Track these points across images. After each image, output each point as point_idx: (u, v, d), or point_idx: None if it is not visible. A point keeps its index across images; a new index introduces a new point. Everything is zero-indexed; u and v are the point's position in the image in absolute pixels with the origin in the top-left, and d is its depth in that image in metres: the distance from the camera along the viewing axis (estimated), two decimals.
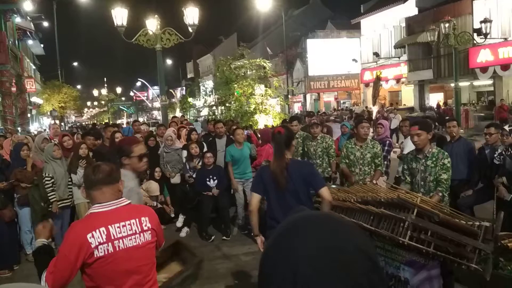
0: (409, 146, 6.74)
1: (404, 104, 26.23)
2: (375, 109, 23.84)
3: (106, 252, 2.29)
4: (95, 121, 39.76)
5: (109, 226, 2.33)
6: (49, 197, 6.25)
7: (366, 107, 26.67)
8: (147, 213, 2.53)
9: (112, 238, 2.32)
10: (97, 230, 2.29)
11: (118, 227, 2.35)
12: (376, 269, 0.80)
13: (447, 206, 3.90)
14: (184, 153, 7.65)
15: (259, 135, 9.58)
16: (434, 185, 4.26)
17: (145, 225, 2.46)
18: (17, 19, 22.16)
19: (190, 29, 9.87)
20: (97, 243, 2.27)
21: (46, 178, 6.26)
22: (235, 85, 15.79)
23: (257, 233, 3.76)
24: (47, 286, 2.22)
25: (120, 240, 2.34)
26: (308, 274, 0.76)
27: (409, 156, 4.58)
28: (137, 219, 2.44)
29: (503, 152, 5.52)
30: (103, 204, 2.38)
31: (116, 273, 2.33)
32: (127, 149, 3.15)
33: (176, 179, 7.75)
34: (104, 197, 2.39)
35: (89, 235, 2.26)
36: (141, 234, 2.43)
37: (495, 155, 5.70)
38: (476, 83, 22.72)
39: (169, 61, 53.28)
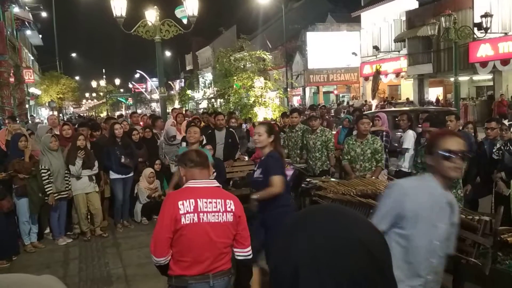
0: (408, 140, 6.74)
1: (408, 98, 26.00)
2: (374, 103, 23.81)
3: (191, 221, 2.63)
4: (93, 113, 39.64)
5: (198, 199, 2.67)
6: (46, 190, 6.24)
7: (366, 101, 26.62)
8: (233, 198, 2.83)
9: (199, 210, 2.65)
10: (187, 200, 2.65)
11: (205, 202, 2.68)
12: (378, 264, 0.77)
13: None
14: (184, 144, 7.64)
15: None
16: None
17: (229, 207, 2.74)
18: (16, 9, 22.03)
19: (185, 21, 9.79)
20: (185, 211, 2.62)
21: (42, 170, 6.24)
22: (234, 78, 15.73)
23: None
24: (152, 252, 2.66)
25: (205, 214, 2.66)
26: (296, 264, 0.75)
27: (424, 150, 4.51)
28: (222, 200, 2.74)
29: (502, 147, 5.52)
30: (197, 181, 2.76)
31: (195, 244, 2.65)
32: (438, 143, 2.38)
33: (175, 168, 7.75)
34: (201, 176, 2.80)
35: (180, 202, 2.64)
36: (224, 213, 2.71)
37: (494, 150, 5.70)
38: (475, 77, 22.67)
39: (168, 53, 53.10)
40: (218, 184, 2.87)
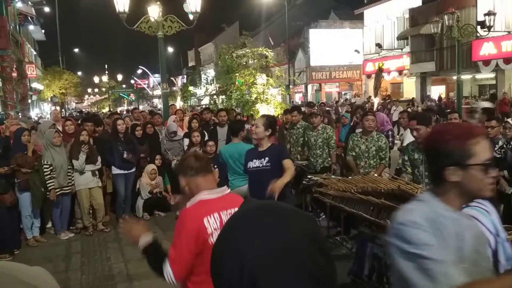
0: (408, 138, 6.74)
1: (429, 95, 25.71)
2: (376, 101, 23.77)
3: None
4: (95, 108, 39.58)
5: (221, 212, 2.32)
6: (47, 185, 6.27)
7: (368, 98, 26.58)
8: None
9: (217, 226, 2.29)
10: (212, 216, 2.29)
11: (227, 214, 2.33)
12: (322, 251, 0.80)
13: None
14: (186, 141, 7.66)
15: None
16: None
17: None
18: (18, 4, 22.06)
19: (191, 17, 9.79)
20: (212, 229, 2.26)
21: (45, 166, 6.27)
22: (237, 74, 15.72)
23: None
24: (173, 277, 2.19)
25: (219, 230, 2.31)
26: (253, 270, 0.75)
27: (410, 147, 4.55)
28: None
29: (504, 145, 5.52)
30: (211, 191, 2.38)
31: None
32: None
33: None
34: (208, 184, 2.40)
35: (205, 220, 2.26)
36: None
37: (496, 149, 5.70)
38: (478, 76, 22.61)
39: (170, 49, 52.95)
40: (229, 190, 2.58)
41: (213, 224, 2.27)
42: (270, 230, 0.78)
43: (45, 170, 6.27)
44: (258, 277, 0.75)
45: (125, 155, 7.05)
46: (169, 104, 11.62)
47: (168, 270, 2.19)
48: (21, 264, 0.90)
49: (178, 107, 13.37)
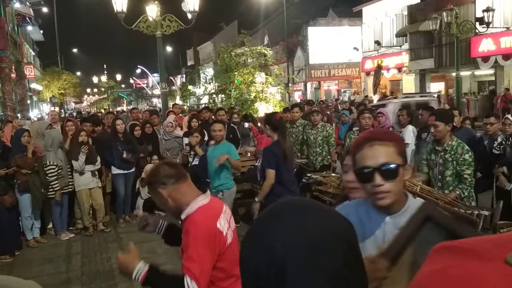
0: (407, 135, 6.75)
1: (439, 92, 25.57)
2: (375, 98, 23.76)
3: (232, 239, 2.23)
4: (94, 108, 39.53)
5: (221, 216, 2.24)
6: (53, 186, 6.28)
7: (366, 96, 26.58)
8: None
9: (227, 226, 2.24)
10: (220, 218, 2.20)
11: (223, 218, 2.26)
12: (354, 253, 0.80)
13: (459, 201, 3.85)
14: (186, 140, 7.66)
15: (260, 123, 9.55)
16: (452, 180, 4.11)
17: (231, 222, 2.32)
18: (17, 5, 22.04)
19: (189, 16, 9.78)
20: (226, 232, 2.19)
21: (51, 167, 6.26)
22: (235, 73, 15.72)
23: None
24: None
25: (229, 229, 2.26)
26: (284, 260, 0.75)
27: (429, 147, 4.44)
28: (227, 208, 2.37)
29: (503, 142, 5.52)
30: (205, 195, 2.25)
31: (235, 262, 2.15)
32: None
33: None
34: (191, 188, 2.24)
35: (218, 224, 2.17)
36: (233, 231, 2.32)
37: (495, 145, 5.70)
38: (477, 72, 22.60)
39: (169, 48, 52.93)
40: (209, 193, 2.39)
41: (224, 225, 2.19)
42: (304, 225, 0.79)
43: (51, 170, 6.27)
44: (287, 270, 0.75)
45: (124, 155, 7.05)
46: (172, 103, 11.59)
47: (193, 287, 2.02)
48: (15, 277, 0.92)
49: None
